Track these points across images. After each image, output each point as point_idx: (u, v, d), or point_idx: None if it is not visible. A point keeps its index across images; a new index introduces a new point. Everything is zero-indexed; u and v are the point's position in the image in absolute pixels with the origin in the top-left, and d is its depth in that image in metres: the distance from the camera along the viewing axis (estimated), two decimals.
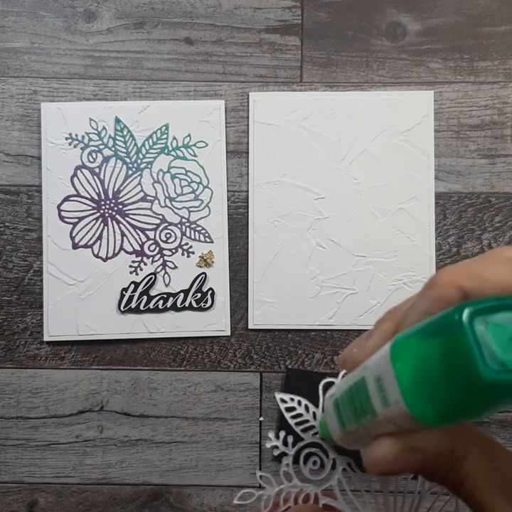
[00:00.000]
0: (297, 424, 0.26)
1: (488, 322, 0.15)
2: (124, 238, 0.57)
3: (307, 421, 0.26)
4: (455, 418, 0.17)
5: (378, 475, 0.19)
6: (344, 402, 0.20)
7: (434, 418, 0.16)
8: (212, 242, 0.57)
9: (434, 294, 0.17)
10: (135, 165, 0.57)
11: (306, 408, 0.27)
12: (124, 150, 0.57)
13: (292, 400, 0.27)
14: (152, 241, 0.57)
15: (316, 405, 0.27)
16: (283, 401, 0.27)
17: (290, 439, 0.27)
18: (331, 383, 0.25)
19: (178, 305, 0.56)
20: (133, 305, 0.56)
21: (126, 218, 0.57)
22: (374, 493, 0.26)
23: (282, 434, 0.27)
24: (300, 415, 0.26)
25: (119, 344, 0.57)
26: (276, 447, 0.27)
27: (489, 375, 0.14)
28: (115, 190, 0.57)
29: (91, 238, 0.57)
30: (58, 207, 0.56)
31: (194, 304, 0.56)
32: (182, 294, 0.56)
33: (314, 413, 0.27)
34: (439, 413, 0.16)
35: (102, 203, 0.57)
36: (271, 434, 0.27)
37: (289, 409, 0.26)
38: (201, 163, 0.57)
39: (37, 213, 0.57)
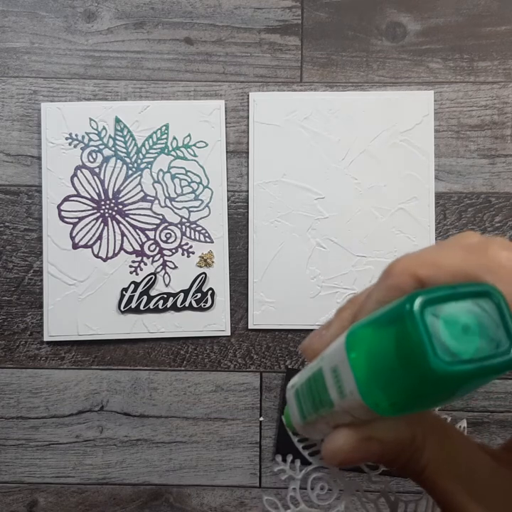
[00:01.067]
0: (305, 447, 0.26)
1: (440, 312, 0.15)
2: (124, 238, 0.57)
3: (314, 445, 0.26)
4: (409, 408, 0.16)
5: (336, 466, 0.18)
6: (303, 392, 0.20)
7: (388, 409, 0.16)
8: (212, 242, 0.57)
9: (389, 283, 0.17)
10: (135, 165, 0.57)
11: None
12: (124, 150, 0.57)
13: None
14: (152, 241, 0.57)
15: None
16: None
17: (297, 462, 0.26)
18: None
19: (178, 305, 0.56)
20: (133, 305, 0.56)
21: (126, 218, 0.57)
22: None
23: (289, 457, 0.26)
24: (307, 438, 0.26)
25: (119, 344, 0.57)
26: (284, 471, 0.26)
27: (440, 367, 0.14)
28: (115, 190, 0.57)
29: (91, 238, 0.57)
30: (58, 207, 0.56)
31: (194, 304, 0.56)
32: (182, 294, 0.56)
33: None
34: (393, 404, 0.16)
35: (102, 203, 0.57)
36: (278, 458, 0.27)
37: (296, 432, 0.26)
38: (201, 163, 0.57)
39: (37, 213, 0.57)
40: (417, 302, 0.15)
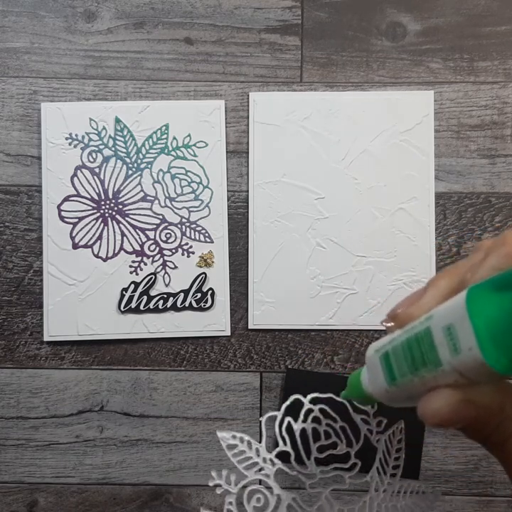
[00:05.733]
0: (240, 461, 0.26)
1: None
2: (124, 238, 0.57)
3: (250, 458, 0.26)
4: None
5: (435, 426, 0.19)
6: (398, 354, 0.20)
7: (508, 366, 0.17)
8: (212, 242, 0.57)
9: (506, 251, 0.18)
10: (135, 165, 0.57)
11: (249, 445, 0.26)
12: (124, 150, 0.57)
13: (234, 437, 0.26)
14: (152, 241, 0.57)
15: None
16: (224, 439, 0.27)
17: (233, 477, 0.26)
18: (275, 417, 0.24)
19: (178, 305, 0.56)
20: (133, 305, 0.56)
21: (126, 218, 0.57)
22: None
23: (225, 472, 0.26)
24: (243, 452, 0.26)
25: (119, 344, 0.57)
26: (219, 486, 0.26)
27: None
28: (115, 190, 0.57)
29: (91, 238, 0.57)
30: (58, 207, 0.56)
31: (194, 304, 0.56)
32: (182, 294, 0.56)
33: (257, 449, 0.26)
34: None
35: (102, 203, 0.57)
36: (213, 473, 0.27)
37: (231, 447, 0.26)
38: (201, 163, 0.57)
39: (37, 213, 0.57)
40: None
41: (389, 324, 0.22)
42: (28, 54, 0.58)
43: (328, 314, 0.56)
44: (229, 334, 0.56)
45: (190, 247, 0.57)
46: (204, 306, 0.56)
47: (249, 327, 0.56)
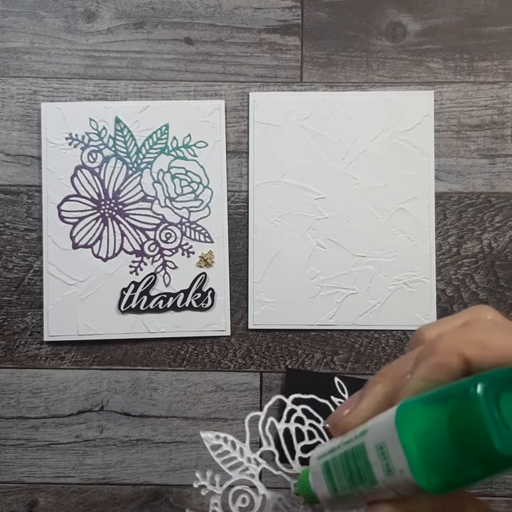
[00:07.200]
0: (224, 461, 0.25)
1: (500, 394, 0.15)
2: (124, 238, 0.57)
3: (235, 458, 0.26)
4: (461, 486, 0.17)
5: None
6: (337, 466, 0.20)
7: (441, 487, 0.16)
8: (212, 242, 0.57)
9: (435, 361, 0.17)
10: (135, 165, 0.57)
11: (233, 445, 0.26)
12: (124, 150, 0.57)
13: (218, 437, 0.26)
14: (152, 241, 0.57)
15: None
16: (208, 439, 0.26)
17: (217, 477, 0.26)
18: (258, 417, 0.24)
19: (178, 305, 0.56)
20: (133, 305, 0.56)
21: (126, 218, 0.57)
22: None
23: (209, 473, 0.26)
24: (227, 452, 0.26)
25: (119, 344, 0.57)
26: (204, 486, 0.26)
27: (505, 448, 0.15)
28: (115, 190, 0.57)
29: (91, 238, 0.57)
30: (58, 207, 0.56)
31: (194, 304, 0.56)
32: (182, 294, 0.56)
33: (241, 449, 0.26)
34: (446, 483, 0.16)
35: (102, 203, 0.57)
36: (198, 474, 0.27)
37: (215, 447, 0.26)
38: (201, 163, 0.57)
39: (37, 213, 0.57)
40: (481, 385, 0.15)
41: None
42: (28, 54, 0.58)
43: (328, 314, 0.56)
44: (229, 334, 0.56)
45: (190, 247, 0.57)
46: (204, 306, 0.56)
47: (249, 327, 0.56)
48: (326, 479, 0.21)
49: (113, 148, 0.57)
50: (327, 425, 0.22)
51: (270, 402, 0.26)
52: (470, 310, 0.19)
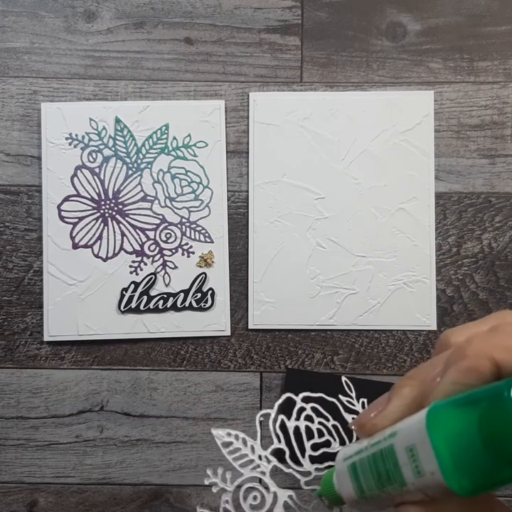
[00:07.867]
0: (235, 459, 0.25)
1: None
2: (124, 238, 0.57)
3: (246, 455, 0.26)
4: (491, 489, 0.17)
5: None
6: (365, 468, 0.20)
7: (471, 489, 0.16)
8: (212, 242, 0.57)
9: (466, 365, 0.17)
10: (135, 165, 0.57)
11: (244, 442, 0.26)
12: (124, 150, 0.57)
13: (229, 434, 0.26)
14: (152, 241, 0.57)
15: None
16: (219, 436, 0.26)
17: (228, 475, 0.26)
18: (268, 415, 0.24)
19: (178, 305, 0.56)
20: (133, 305, 0.56)
21: (126, 218, 0.57)
22: None
23: (220, 470, 0.26)
24: (238, 450, 0.26)
25: (119, 344, 0.57)
26: (215, 484, 0.26)
27: None
28: (115, 190, 0.57)
29: (91, 238, 0.57)
30: (58, 207, 0.56)
31: (194, 304, 0.56)
32: (182, 294, 0.56)
33: (253, 447, 0.26)
34: (477, 485, 0.16)
35: (102, 203, 0.57)
36: (209, 471, 0.27)
37: (226, 445, 0.26)
38: (201, 163, 0.57)
39: (37, 213, 0.57)
40: None
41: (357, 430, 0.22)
42: (28, 54, 0.58)
43: (328, 314, 0.56)
44: (229, 334, 0.56)
45: (190, 247, 0.57)
46: (204, 306, 0.56)
47: (249, 327, 0.56)
48: (352, 480, 0.21)
49: (113, 148, 0.57)
50: (353, 427, 0.22)
51: (280, 400, 0.26)
52: (496, 315, 0.19)
